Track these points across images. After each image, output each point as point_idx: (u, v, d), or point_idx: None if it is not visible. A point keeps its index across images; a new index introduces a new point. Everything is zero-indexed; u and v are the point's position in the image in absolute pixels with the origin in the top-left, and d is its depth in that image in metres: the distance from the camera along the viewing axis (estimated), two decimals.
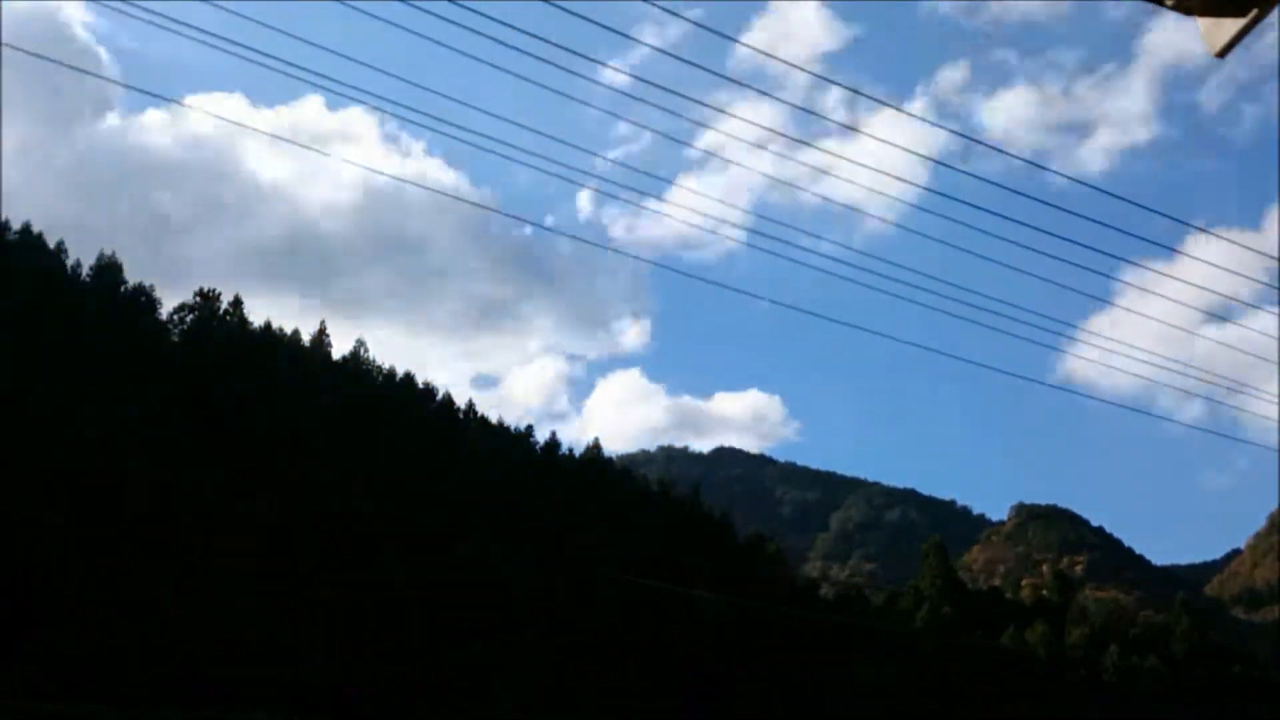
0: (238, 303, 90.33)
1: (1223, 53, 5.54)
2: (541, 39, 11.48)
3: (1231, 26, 5.49)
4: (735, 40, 26.88)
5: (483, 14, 11.23)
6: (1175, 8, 5.50)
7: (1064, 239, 14.99)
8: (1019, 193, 13.78)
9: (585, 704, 68.60)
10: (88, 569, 54.29)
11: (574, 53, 11.67)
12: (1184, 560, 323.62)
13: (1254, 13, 5.39)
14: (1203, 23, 5.57)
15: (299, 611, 59.96)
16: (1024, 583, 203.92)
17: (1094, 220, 14.19)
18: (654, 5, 10.22)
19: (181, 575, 56.82)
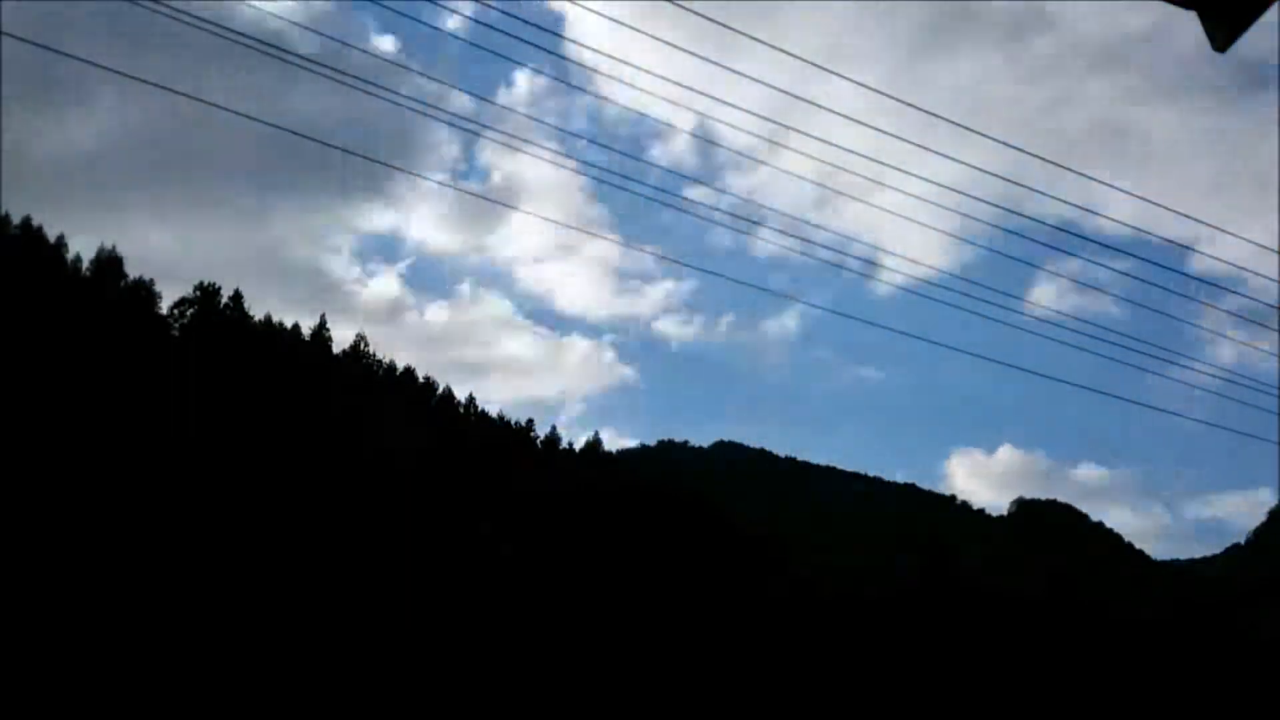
0: (238, 297, 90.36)
1: (1223, 47, 5.48)
2: None
3: (1232, 22, 5.43)
4: None
5: None
6: (1175, 1, 5.44)
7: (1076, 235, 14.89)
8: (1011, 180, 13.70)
9: (585, 702, 68.66)
10: (88, 565, 54.28)
11: None
12: (1183, 555, 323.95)
13: (1255, 9, 5.33)
14: (1203, 17, 5.51)
15: (300, 607, 60.01)
16: (1025, 578, 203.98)
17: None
18: None
19: (183, 570, 56.84)
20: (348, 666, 59.32)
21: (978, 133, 13.97)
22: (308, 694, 55.96)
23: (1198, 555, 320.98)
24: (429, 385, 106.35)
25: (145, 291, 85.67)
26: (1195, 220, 17.86)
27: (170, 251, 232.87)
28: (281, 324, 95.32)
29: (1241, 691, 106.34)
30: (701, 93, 13.64)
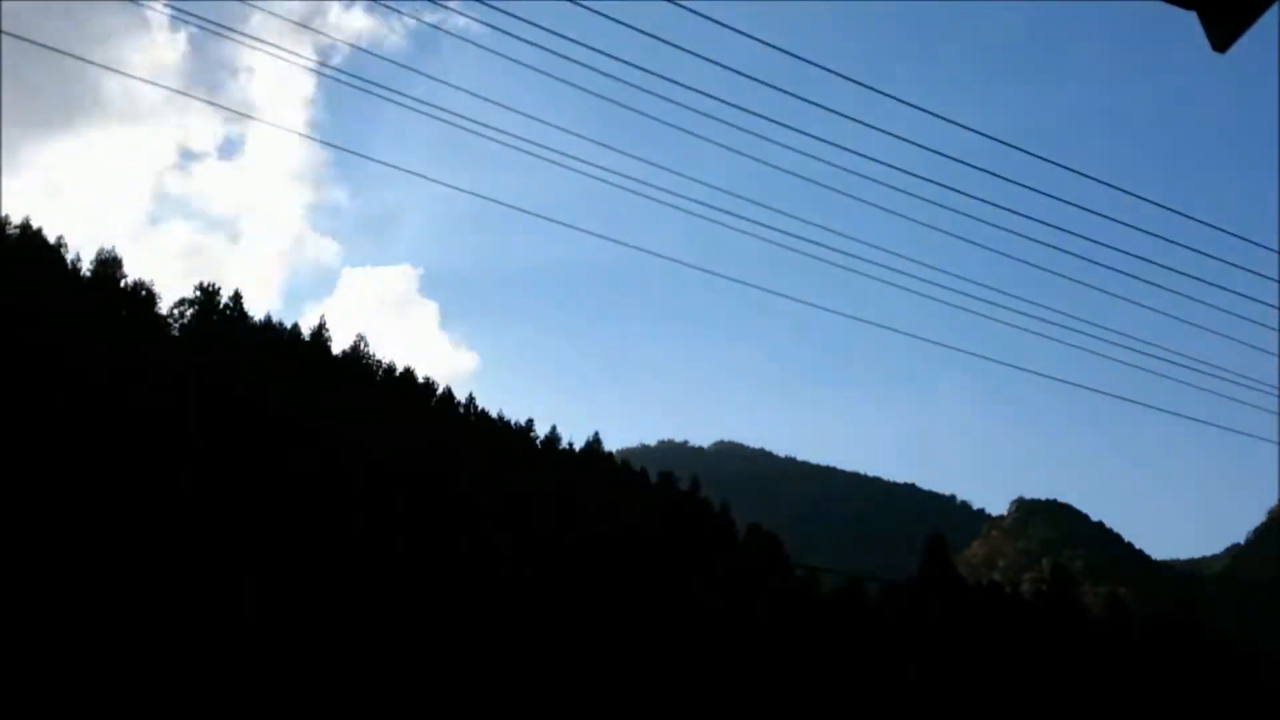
0: (238, 297, 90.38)
1: (1223, 47, 5.47)
2: None
3: (1233, 21, 5.42)
4: None
5: None
6: (1175, 1, 5.43)
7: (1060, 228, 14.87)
8: (1017, 183, 13.61)
9: (585, 702, 68.64)
10: (88, 566, 54.24)
11: None
12: (1183, 555, 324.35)
13: (1255, 9, 5.32)
14: (1203, 17, 5.50)
15: (300, 607, 59.96)
16: (1025, 577, 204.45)
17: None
18: None
19: (183, 570, 56.80)
20: (347, 667, 59.30)
21: None
22: (307, 695, 55.95)
23: (1198, 555, 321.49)
24: (429, 385, 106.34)
25: (145, 291, 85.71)
26: None
27: None
28: (281, 324, 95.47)
29: (1241, 692, 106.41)
30: None
